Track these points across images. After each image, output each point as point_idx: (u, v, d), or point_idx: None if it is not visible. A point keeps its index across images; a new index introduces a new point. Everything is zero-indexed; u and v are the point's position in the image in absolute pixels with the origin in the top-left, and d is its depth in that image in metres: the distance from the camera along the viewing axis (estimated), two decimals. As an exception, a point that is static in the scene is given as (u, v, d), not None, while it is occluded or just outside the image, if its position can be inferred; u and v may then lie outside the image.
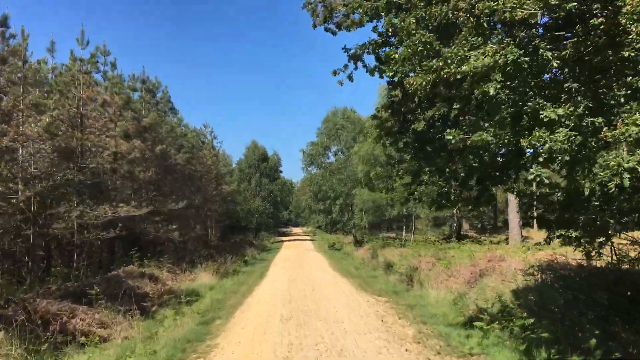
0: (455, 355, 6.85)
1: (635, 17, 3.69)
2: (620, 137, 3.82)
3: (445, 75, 4.51)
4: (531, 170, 4.32)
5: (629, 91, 4.21)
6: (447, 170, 7.27)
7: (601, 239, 7.38)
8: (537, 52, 4.26)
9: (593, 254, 7.70)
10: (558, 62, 4.37)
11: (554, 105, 4.05)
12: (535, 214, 8.56)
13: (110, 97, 17.74)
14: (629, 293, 7.54)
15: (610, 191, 4.09)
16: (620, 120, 4.04)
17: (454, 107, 6.47)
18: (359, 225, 32.10)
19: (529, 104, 4.34)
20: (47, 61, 17.10)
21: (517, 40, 4.40)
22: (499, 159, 6.29)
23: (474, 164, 7.50)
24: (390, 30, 6.43)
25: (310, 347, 7.18)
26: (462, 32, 4.73)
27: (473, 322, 8.16)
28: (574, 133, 3.86)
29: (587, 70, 4.84)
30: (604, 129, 4.09)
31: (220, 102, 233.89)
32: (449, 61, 4.50)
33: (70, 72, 15.99)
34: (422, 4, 5.40)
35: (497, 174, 7.63)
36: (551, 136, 3.90)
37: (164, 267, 16.57)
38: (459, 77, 4.50)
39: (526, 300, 10.10)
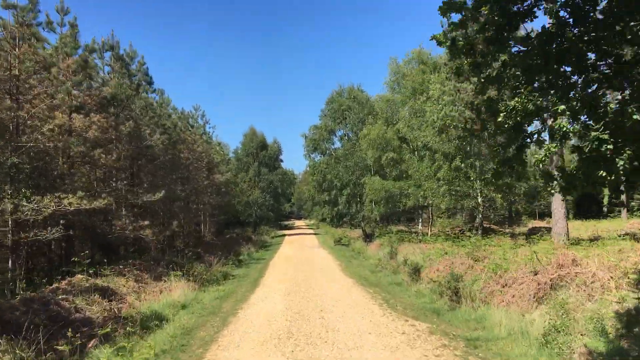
0: None
1: None
2: None
3: None
4: None
5: None
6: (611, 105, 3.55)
7: None
8: None
9: None
10: None
11: None
12: None
13: (63, 59, 14.06)
14: None
15: None
16: None
17: None
18: (369, 217, 28.44)
19: None
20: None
21: None
22: None
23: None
24: None
25: None
26: None
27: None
28: None
29: None
30: None
31: (217, 92, 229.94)
32: None
33: (2, 22, 12.26)
34: None
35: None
36: None
37: (131, 275, 12.98)
38: None
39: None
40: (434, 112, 23.32)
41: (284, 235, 46.02)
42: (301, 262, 20.30)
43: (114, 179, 17.35)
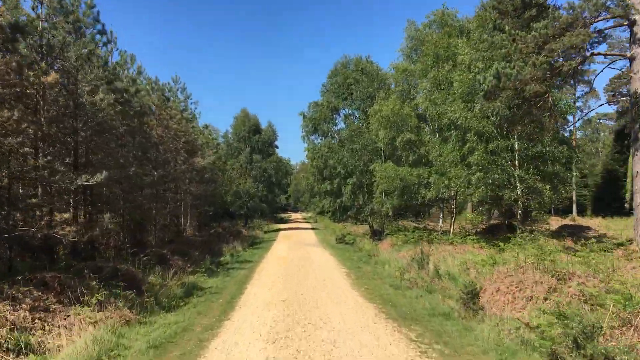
0: None
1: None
2: None
3: None
4: None
5: None
6: None
7: None
8: None
9: None
10: None
11: None
12: None
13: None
14: None
15: None
16: None
17: None
18: (379, 211, 23.69)
19: None
20: None
21: None
22: None
23: None
24: None
25: None
26: None
27: None
28: None
29: None
30: None
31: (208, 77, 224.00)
32: None
33: None
34: None
35: None
36: None
37: (27, 298, 8.23)
38: None
39: None
40: (464, 83, 18.72)
41: (279, 229, 41.30)
42: (297, 268, 15.58)
43: (40, 153, 12.50)
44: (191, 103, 28.51)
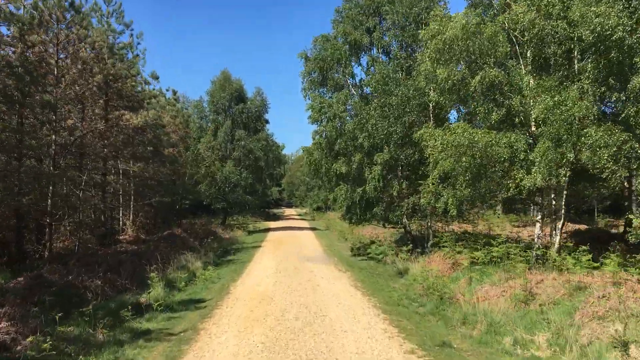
0: None
1: None
2: None
3: None
4: None
5: None
6: None
7: None
8: None
9: None
10: None
11: None
12: None
13: None
14: None
15: None
16: None
17: None
18: (434, 209, 13.97)
19: None
20: None
21: None
22: None
23: None
24: None
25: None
26: None
27: None
28: None
29: None
30: None
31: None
32: None
33: None
34: None
35: None
36: None
37: None
38: None
39: None
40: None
41: (268, 229, 31.70)
42: (293, 356, 6.00)
43: None
44: (137, 41, 18.60)
